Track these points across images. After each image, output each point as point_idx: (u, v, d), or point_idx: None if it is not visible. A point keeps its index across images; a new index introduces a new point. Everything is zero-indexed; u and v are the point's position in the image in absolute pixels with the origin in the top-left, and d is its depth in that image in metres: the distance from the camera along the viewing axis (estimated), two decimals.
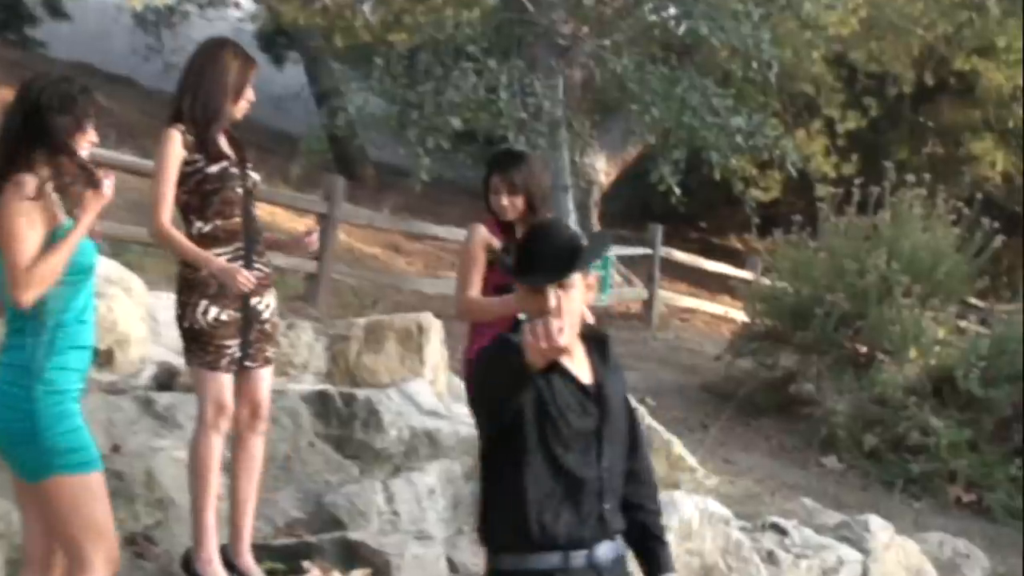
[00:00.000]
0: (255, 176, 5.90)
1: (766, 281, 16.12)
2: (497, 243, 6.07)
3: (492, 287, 6.05)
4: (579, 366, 4.02)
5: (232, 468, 5.92)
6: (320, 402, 7.65)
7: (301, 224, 16.86)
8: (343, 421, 7.62)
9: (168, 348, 8.31)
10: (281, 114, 23.10)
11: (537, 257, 3.93)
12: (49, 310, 4.64)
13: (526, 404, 3.83)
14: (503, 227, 6.13)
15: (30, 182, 4.61)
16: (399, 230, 17.75)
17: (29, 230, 4.58)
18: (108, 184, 4.67)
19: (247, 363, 5.77)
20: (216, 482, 5.77)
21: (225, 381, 5.70)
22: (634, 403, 9.79)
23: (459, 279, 6.29)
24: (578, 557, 3.93)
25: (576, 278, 3.93)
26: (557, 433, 3.89)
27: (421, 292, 15.42)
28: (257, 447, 5.93)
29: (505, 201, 6.06)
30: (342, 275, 14.28)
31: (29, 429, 4.61)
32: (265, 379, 5.91)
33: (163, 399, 7.24)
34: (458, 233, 13.08)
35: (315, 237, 6.12)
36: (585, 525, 3.94)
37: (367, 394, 7.81)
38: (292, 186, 18.49)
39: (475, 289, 6.15)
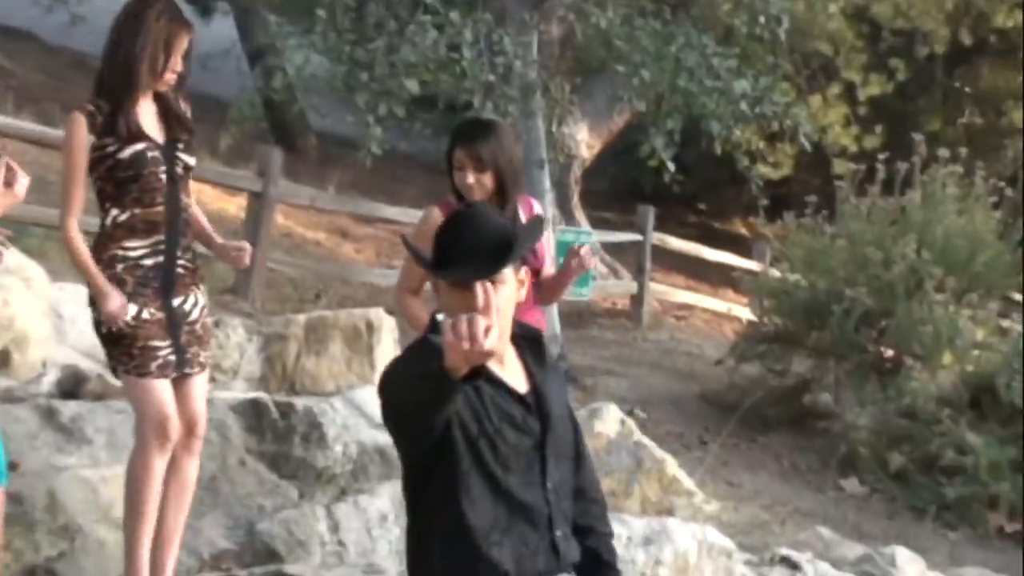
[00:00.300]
0: (188, 159, 5.82)
1: (776, 273, 16.16)
2: None
3: None
4: (511, 373, 4.02)
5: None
6: (253, 413, 7.61)
7: (232, 204, 16.84)
8: (279, 435, 7.59)
9: (74, 349, 8.27)
10: (208, 75, 22.90)
11: (461, 249, 3.92)
12: None
13: (454, 419, 3.79)
14: None
15: None
16: (346, 211, 17.75)
17: None
18: (23, 184, 4.64)
19: (179, 371, 5.74)
20: (155, 511, 5.73)
21: (161, 387, 5.66)
22: (622, 415, 9.84)
23: (401, 274, 6.29)
24: None
25: (507, 273, 3.93)
26: (494, 451, 3.88)
27: (371, 284, 15.42)
28: (191, 470, 5.90)
29: (471, 179, 6.00)
30: (279, 264, 14.25)
31: None
32: (200, 388, 5.89)
33: (68, 409, 7.18)
34: (415, 215, 13.06)
35: (247, 257, 6.06)
36: (536, 557, 3.93)
37: (308, 403, 7.79)
38: (221, 159, 18.45)
39: (415, 288, 6.14)
